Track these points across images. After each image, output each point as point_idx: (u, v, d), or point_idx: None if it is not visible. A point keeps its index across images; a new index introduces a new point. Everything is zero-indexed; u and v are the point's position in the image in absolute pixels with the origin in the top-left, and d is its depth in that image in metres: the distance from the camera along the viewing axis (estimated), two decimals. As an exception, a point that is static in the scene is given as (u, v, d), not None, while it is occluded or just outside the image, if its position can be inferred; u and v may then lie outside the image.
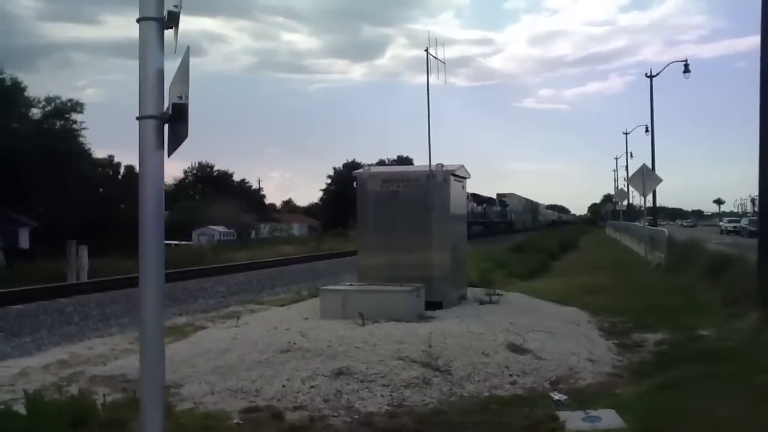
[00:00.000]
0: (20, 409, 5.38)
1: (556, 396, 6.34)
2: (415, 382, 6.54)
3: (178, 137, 2.67)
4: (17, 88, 40.39)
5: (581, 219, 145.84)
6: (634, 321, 10.53)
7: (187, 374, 6.82)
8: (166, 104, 2.69)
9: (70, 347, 9.42)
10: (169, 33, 2.73)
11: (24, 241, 42.42)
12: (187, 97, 2.57)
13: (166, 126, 2.69)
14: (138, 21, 2.68)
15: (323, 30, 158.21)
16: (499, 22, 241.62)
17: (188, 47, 2.70)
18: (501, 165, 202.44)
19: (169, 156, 2.73)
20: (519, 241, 33.89)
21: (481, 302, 11.47)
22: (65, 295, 15.92)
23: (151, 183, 2.64)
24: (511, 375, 6.94)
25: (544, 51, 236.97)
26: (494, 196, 73.05)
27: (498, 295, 12.04)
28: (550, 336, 8.72)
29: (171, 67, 2.76)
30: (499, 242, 34.16)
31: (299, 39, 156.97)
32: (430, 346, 7.51)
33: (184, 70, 2.64)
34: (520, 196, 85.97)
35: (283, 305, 12.58)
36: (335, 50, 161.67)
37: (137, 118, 2.65)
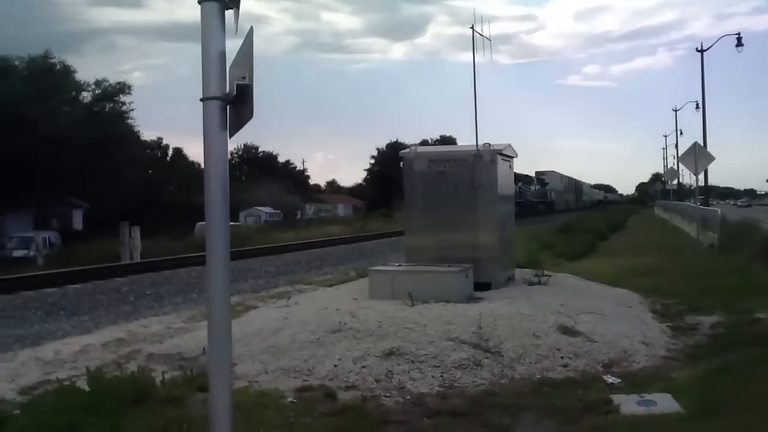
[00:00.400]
0: (83, 385, 5.55)
1: (610, 379, 6.27)
2: (465, 363, 6.54)
3: (241, 118, 2.69)
4: (67, 72, 41.27)
5: (629, 198, 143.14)
6: (688, 303, 10.31)
7: (240, 353, 6.93)
8: (228, 84, 2.71)
9: (126, 325, 9.68)
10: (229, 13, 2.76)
11: (78, 222, 43.75)
12: (251, 79, 2.59)
13: (228, 107, 2.71)
14: (199, 2, 2.71)
15: (364, 9, 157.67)
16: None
17: (251, 27, 2.72)
18: (545, 143, 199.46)
19: (231, 137, 2.76)
20: (564, 221, 33.44)
21: (530, 283, 11.36)
22: (120, 274, 16.36)
23: (215, 163, 2.68)
24: (562, 357, 6.88)
25: (590, 26, 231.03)
26: (532, 174, 69.14)
27: (547, 276, 11.90)
28: (601, 318, 8.60)
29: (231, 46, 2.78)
30: (538, 224, 33.26)
31: (340, 19, 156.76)
32: (480, 327, 7.49)
33: (247, 51, 2.66)
34: (561, 174, 79.67)
35: (331, 285, 12.69)
36: (376, 29, 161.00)
37: (201, 100, 2.68)
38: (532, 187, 65.06)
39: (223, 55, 2.67)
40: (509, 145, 12.13)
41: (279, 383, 6.14)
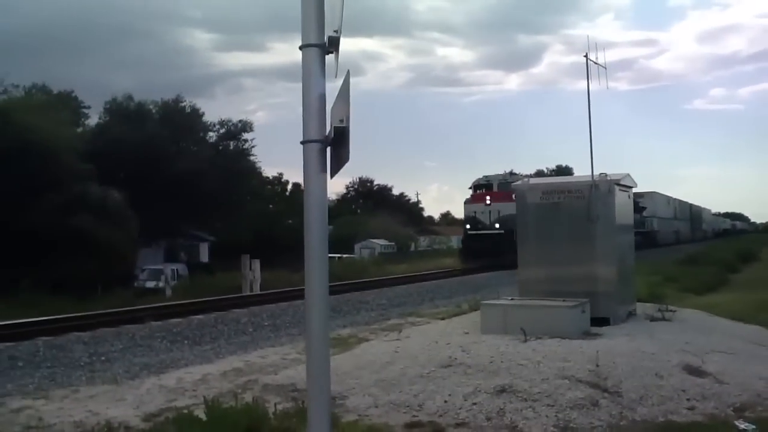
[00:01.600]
0: (201, 414, 5.77)
1: (743, 425, 5.80)
2: (582, 403, 6.26)
3: (339, 160, 2.74)
4: (196, 114, 43.94)
5: (762, 227, 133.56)
6: (833, 342, 9.44)
7: (351, 386, 6.99)
8: (328, 127, 2.77)
9: (245, 356, 10.01)
10: (330, 57, 2.83)
11: (204, 255, 46.02)
12: (348, 121, 2.63)
13: (328, 149, 2.77)
14: (300, 48, 2.80)
15: (477, 42, 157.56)
16: (663, 20, 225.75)
17: (348, 71, 2.77)
18: (667, 171, 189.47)
19: (331, 178, 2.81)
20: (692, 251, 31.61)
21: (652, 319, 10.82)
22: (240, 306, 16.97)
23: (315, 204, 2.73)
24: (688, 399, 6.45)
25: (715, 48, 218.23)
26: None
27: (671, 311, 11.29)
28: (732, 358, 8.03)
29: (332, 87, 2.84)
30: (657, 257, 30.96)
31: (454, 53, 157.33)
32: (597, 366, 7.18)
33: (344, 93, 2.71)
34: (667, 197, 60.54)
35: (443, 318, 12.59)
36: (490, 61, 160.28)
37: (301, 143, 2.74)
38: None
39: (323, 98, 2.74)
40: (628, 175, 11.71)
41: (389, 418, 6.11)
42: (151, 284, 29.64)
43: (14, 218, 25.25)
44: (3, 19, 65.33)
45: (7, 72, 38.54)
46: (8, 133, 25.47)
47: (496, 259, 28.95)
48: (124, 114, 40.16)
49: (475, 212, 33.26)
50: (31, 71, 67.61)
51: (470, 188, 34.76)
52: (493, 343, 8.50)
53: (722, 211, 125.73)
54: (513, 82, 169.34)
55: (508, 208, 29.07)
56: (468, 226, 33.37)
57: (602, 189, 10.78)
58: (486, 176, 34.21)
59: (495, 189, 32.95)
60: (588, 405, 6.23)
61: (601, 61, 11.23)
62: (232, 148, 46.13)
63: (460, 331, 9.90)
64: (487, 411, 6.14)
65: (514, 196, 29.00)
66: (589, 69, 11.01)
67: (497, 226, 31.82)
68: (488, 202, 32.82)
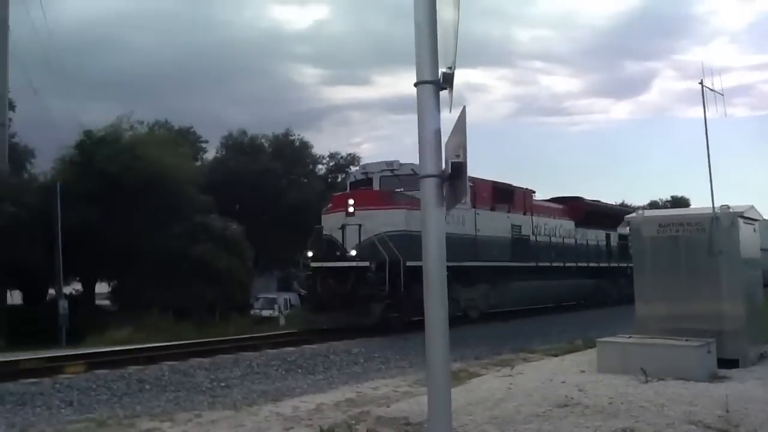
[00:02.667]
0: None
1: None
2: (710, 449, 5.89)
3: (456, 194, 2.77)
4: (305, 146, 45.54)
5: None
6: None
7: (464, 422, 6.88)
8: (443, 162, 2.81)
9: (357, 386, 10.11)
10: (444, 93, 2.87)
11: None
12: (465, 156, 2.66)
13: (445, 183, 2.80)
14: (415, 85, 2.86)
15: (583, 70, 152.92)
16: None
17: (464, 107, 2.80)
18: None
19: (448, 211, 2.84)
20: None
21: (788, 362, 10.06)
22: (351, 337, 17.15)
23: (433, 237, 2.77)
24: (832, 451, 5.93)
25: None
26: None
27: (809, 354, 10.45)
28: None
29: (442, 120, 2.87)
30: None
31: (558, 82, 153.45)
32: (727, 411, 6.73)
33: (460, 128, 2.75)
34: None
35: (555, 355, 12.26)
36: (596, 90, 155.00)
37: (419, 177, 2.79)
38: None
39: (438, 133, 2.79)
40: (752, 207, 11.09)
41: (502, 456, 5.98)
42: (266, 312, 30.63)
43: (144, 247, 26.96)
44: (128, 59, 70.58)
45: (133, 110, 41.51)
46: (136, 167, 27.33)
47: (354, 312, 17.42)
48: (239, 148, 42.12)
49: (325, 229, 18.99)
50: (154, 108, 72.31)
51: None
52: (611, 383, 8.18)
53: None
54: (621, 110, 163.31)
55: (386, 221, 17.38)
56: (310, 254, 18.91)
57: (724, 222, 10.24)
58: (364, 165, 21.32)
59: (376, 187, 19.32)
60: (717, 452, 5.86)
61: (717, 87, 10.71)
62: (340, 180, 47.29)
63: (575, 369, 9.60)
64: (607, 454, 5.89)
65: (403, 200, 17.26)
66: (705, 96, 10.53)
67: (354, 253, 17.41)
68: (351, 209, 17.70)
